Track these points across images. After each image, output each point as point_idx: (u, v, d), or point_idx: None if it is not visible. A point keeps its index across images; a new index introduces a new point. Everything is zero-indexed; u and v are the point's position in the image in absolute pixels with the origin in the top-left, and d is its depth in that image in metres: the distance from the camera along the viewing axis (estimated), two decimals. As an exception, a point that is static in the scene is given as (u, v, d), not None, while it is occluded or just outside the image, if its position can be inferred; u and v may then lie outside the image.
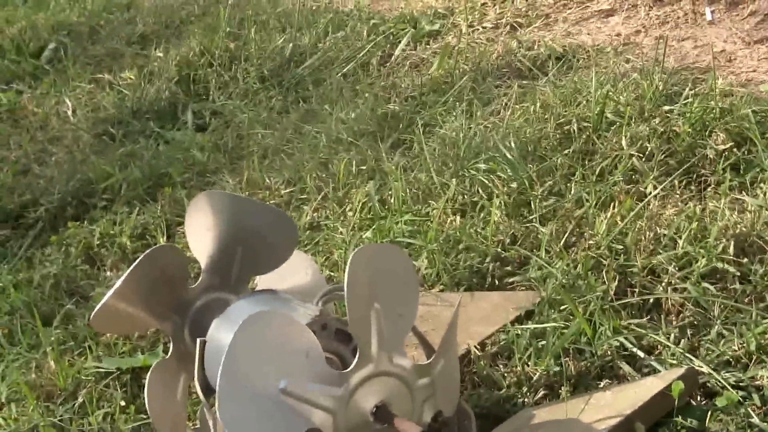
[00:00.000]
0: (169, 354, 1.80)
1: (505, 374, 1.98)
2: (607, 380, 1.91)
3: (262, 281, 1.88)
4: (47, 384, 2.26)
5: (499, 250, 2.33)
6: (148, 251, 1.75)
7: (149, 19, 4.54)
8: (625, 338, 1.97)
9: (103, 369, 2.27)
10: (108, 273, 2.65)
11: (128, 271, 1.72)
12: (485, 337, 2.10)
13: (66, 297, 2.61)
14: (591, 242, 2.25)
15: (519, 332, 2.05)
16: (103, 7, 4.84)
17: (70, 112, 3.71)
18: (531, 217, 2.41)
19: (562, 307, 2.09)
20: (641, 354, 1.94)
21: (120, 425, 2.09)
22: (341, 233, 2.53)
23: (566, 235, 2.29)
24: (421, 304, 2.16)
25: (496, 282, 2.27)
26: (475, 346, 2.06)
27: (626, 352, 1.96)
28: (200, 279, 1.80)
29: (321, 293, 1.71)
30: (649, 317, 2.04)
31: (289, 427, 1.44)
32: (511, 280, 2.26)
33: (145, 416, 2.05)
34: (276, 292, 1.78)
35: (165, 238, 2.76)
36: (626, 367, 1.92)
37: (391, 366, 1.52)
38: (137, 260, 1.72)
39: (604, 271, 2.14)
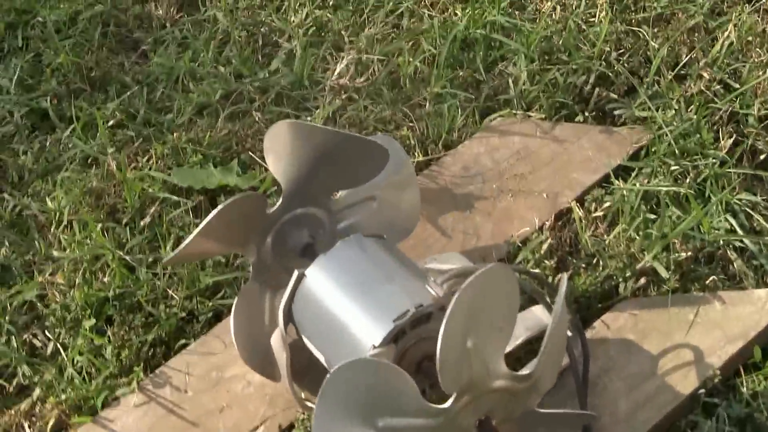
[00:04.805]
0: (251, 278, 1.81)
1: (607, 248, 2.01)
2: (714, 277, 1.96)
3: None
4: (111, 200, 2.20)
5: (603, 67, 2.33)
6: (227, 204, 1.68)
7: None
8: (737, 222, 2.04)
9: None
10: (162, 15, 2.61)
11: (204, 223, 1.67)
12: (586, 188, 2.13)
13: (118, 49, 2.57)
14: (705, 74, 2.27)
15: (625, 194, 2.09)
16: None
17: None
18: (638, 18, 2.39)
19: (672, 167, 2.13)
20: (752, 247, 2.01)
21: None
22: (429, 16, 2.49)
23: (678, 68, 2.31)
24: (522, 134, 2.22)
25: (601, 111, 2.29)
26: (576, 204, 2.08)
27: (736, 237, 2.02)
28: (280, 200, 1.78)
29: (449, 274, 1.67)
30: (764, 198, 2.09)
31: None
32: (618, 112, 2.27)
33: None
34: (386, 243, 1.75)
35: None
36: (737, 263, 1.99)
37: (489, 386, 1.53)
38: (216, 210, 1.66)
39: (718, 126, 2.19)
